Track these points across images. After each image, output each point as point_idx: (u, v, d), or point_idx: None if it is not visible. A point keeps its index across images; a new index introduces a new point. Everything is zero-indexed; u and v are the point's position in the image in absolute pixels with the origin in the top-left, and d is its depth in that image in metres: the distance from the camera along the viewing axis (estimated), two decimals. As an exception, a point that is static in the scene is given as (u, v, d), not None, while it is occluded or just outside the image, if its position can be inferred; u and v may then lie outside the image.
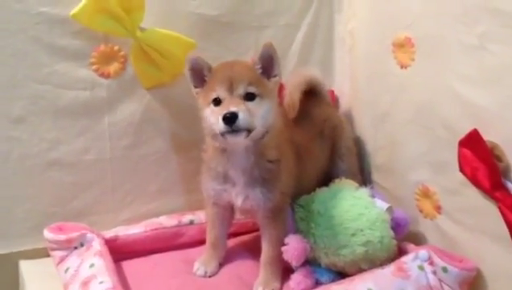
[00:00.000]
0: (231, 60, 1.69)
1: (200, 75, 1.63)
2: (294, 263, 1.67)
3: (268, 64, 1.59)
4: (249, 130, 1.52)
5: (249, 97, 1.54)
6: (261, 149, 1.62)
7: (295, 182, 1.76)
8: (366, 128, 2.12)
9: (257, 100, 1.55)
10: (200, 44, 1.91)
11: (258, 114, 1.54)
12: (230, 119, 1.47)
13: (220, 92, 1.55)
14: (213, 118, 1.54)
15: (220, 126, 1.50)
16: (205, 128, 1.62)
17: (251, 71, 1.58)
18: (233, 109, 1.49)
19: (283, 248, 1.65)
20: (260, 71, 1.59)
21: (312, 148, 1.91)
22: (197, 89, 1.64)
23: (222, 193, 1.70)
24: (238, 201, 1.68)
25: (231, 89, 1.54)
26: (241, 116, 1.48)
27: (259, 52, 1.58)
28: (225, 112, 1.48)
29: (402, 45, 1.85)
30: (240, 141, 1.55)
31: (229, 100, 1.53)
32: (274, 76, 1.61)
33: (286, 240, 1.66)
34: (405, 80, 1.86)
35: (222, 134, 1.52)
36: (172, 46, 1.86)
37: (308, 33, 2.19)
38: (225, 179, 1.68)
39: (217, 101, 1.56)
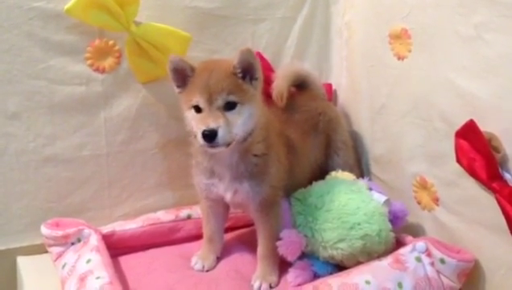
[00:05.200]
0: (213, 60, 1.67)
1: (182, 75, 1.61)
2: (289, 258, 1.67)
3: (248, 69, 1.56)
4: (228, 143, 1.52)
5: (230, 106, 1.53)
6: (246, 145, 1.61)
7: (287, 175, 1.75)
8: (364, 120, 2.11)
9: (237, 108, 1.54)
10: (195, 38, 1.91)
11: (238, 123, 1.53)
12: (209, 137, 1.47)
13: (200, 101, 1.54)
14: (194, 124, 1.55)
15: (199, 140, 1.50)
16: (187, 127, 1.61)
17: (231, 77, 1.55)
18: (212, 125, 1.48)
19: (278, 243, 1.65)
20: (241, 75, 1.56)
21: (306, 142, 1.90)
22: (180, 89, 1.63)
23: (211, 187, 1.70)
24: (227, 196, 1.68)
25: (210, 100, 1.52)
26: (220, 133, 1.48)
27: (237, 58, 1.55)
28: (203, 128, 1.48)
29: (399, 36, 1.84)
30: (220, 151, 1.55)
31: (208, 112, 1.52)
32: (256, 78, 1.59)
33: (281, 235, 1.66)
34: (402, 71, 1.86)
35: (202, 146, 1.52)
36: (168, 40, 1.85)
37: (305, 25, 2.18)
38: (212, 173, 1.68)
39: (198, 109, 1.55)
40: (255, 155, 1.64)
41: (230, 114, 1.53)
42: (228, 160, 1.63)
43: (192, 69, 1.60)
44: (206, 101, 1.53)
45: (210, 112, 1.52)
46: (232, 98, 1.53)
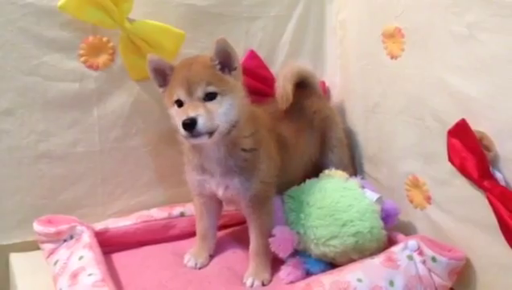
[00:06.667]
0: (191, 56, 1.68)
1: (163, 74, 1.63)
2: (281, 255, 1.67)
3: (226, 59, 1.58)
4: (210, 132, 1.52)
5: (210, 97, 1.54)
6: (232, 140, 1.62)
7: (279, 171, 1.75)
8: (357, 119, 2.12)
9: (218, 98, 1.54)
10: (189, 35, 1.91)
11: (219, 113, 1.54)
12: (190, 125, 1.48)
13: (180, 94, 1.56)
14: (177, 119, 1.56)
15: (181, 131, 1.51)
16: (174, 125, 1.61)
17: (209, 69, 1.57)
18: (191, 114, 1.49)
19: (270, 239, 1.66)
20: (219, 67, 1.58)
21: (300, 139, 1.90)
22: (162, 88, 1.65)
23: (203, 183, 1.71)
24: (219, 191, 1.68)
25: (190, 91, 1.54)
26: (200, 121, 1.49)
27: (214, 49, 1.57)
28: (184, 118, 1.49)
29: (392, 35, 1.84)
30: (203, 142, 1.56)
31: (188, 103, 1.54)
32: (235, 68, 1.60)
33: (274, 231, 1.67)
34: (395, 70, 1.86)
35: (185, 137, 1.53)
36: (161, 37, 1.85)
37: (299, 24, 2.18)
38: (203, 170, 1.69)
39: (179, 103, 1.57)
40: (244, 150, 1.65)
41: (211, 104, 1.54)
42: (215, 155, 1.64)
43: (171, 68, 1.62)
44: (186, 93, 1.54)
45: (191, 103, 1.54)
46: (211, 89, 1.54)
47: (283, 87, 1.87)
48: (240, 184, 1.65)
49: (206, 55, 1.60)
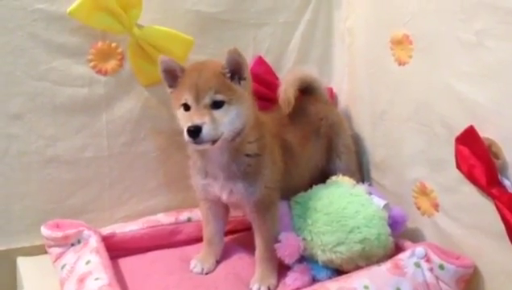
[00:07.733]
0: (202, 61, 1.70)
1: (173, 76, 1.64)
2: (287, 261, 1.67)
3: (236, 69, 1.59)
4: (214, 140, 1.53)
5: (217, 105, 1.55)
6: (236, 145, 1.63)
7: (284, 177, 1.76)
8: (365, 125, 2.12)
9: (224, 107, 1.55)
10: (198, 41, 1.92)
11: (224, 122, 1.55)
12: (194, 132, 1.49)
13: (188, 99, 1.56)
14: (183, 122, 1.57)
15: (185, 136, 1.52)
16: (179, 126, 1.62)
17: (219, 77, 1.58)
18: (196, 121, 1.50)
19: (276, 246, 1.66)
20: (229, 75, 1.58)
21: (306, 145, 1.91)
22: (171, 89, 1.66)
23: (208, 188, 1.72)
24: (223, 196, 1.69)
25: (198, 97, 1.54)
26: (204, 130, 1.50)
27: (225, 58, 1.57)
28: (189, 124, 1.51)
29: (400, 42, 1.84)
30: (206, 148, 1.57)
31: (195, 109, 1.55)
32: (244, 78, 1.61)
33: (280, 237, 1.67)
34: (403, 77, 1.86)
35: (188, 142, 1.54)
36: (170, 43, 1.86)
37: (307, 30, 2.19)
38: (206, 173, 1.70)
39: (186, 107, 1.58)
40: (248, 156, 1.66)
41: (217, 112, 1.54)
42: (219, 159, 1.64)
43: (182, 70, 1.63)
44: (194, 99, 1.55)
45: (197, 109, 1.54)
46: (219, 97, 1.55)
47: (285, 92, 1.88)
48: (244, 189, 1.66)
49: (217, 61, 1.61)
